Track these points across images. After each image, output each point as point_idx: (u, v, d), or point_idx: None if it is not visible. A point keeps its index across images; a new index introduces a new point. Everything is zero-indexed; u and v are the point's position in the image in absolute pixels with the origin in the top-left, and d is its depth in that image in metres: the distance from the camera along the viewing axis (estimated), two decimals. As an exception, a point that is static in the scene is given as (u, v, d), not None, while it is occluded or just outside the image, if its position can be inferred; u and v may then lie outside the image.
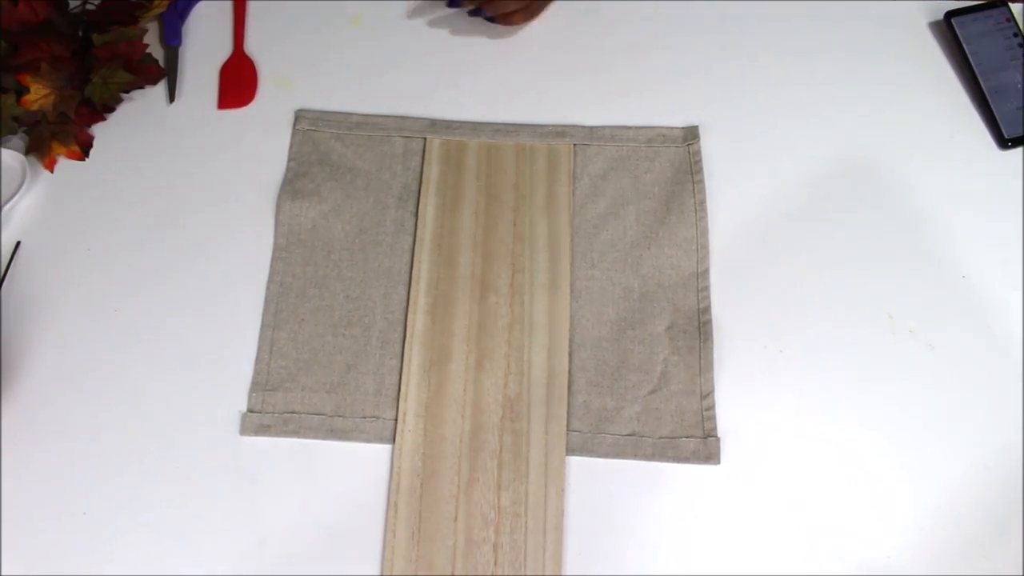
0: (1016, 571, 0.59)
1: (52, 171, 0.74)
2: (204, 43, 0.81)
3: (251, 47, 0.80)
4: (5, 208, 0.71)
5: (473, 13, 0.80)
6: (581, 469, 0.62)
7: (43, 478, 0.62)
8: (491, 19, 0.80)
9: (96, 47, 0.74)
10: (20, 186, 0.71)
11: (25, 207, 0.72)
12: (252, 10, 0.82)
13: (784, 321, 0.67)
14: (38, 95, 0.72)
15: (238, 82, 0.78)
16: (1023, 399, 0.64)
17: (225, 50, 0.80)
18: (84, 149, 0.74)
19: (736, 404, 0.64)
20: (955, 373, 0.65)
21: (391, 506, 0.60)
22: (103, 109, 0.75)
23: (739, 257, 0.69)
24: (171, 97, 0.77)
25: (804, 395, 0.64)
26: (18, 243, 0.71)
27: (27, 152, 0.73)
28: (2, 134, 0.73)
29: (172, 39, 0.80)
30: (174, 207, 0.72)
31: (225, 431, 0.63)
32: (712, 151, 0.74)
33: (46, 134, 0.73)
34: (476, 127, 0.75)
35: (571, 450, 0.62)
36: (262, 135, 0.75)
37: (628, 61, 0.80)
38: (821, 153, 0.74)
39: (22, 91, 0.71)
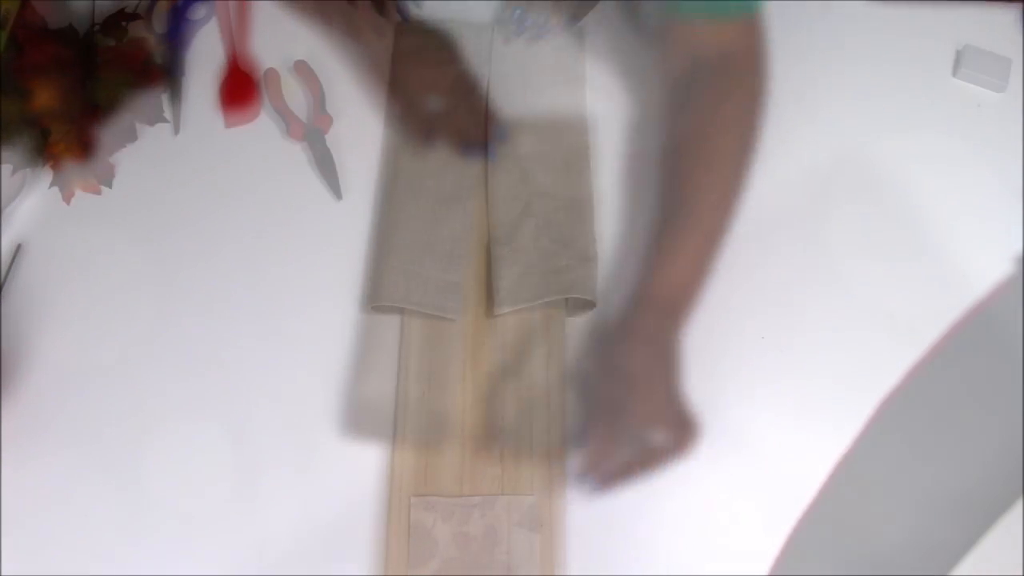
0: (1016, 571, 0.59)
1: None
2: (206, 61, 0.79)
3: (250, 54, 0.80)
4: (6, 211, 0.71)
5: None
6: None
7: (44, 478, 0.62)
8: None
9: (100, 48, 0.74)
10: (21, 188, 0.72)
11: (26, 210, 0.72)
12: (250, 16, 0.81)
13: (783, 320, 0.67)
14: (43, 98, 0.72)
15: (240, 97, 0.77)
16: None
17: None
18: (88, 151, 0.74)
19: (736, 404, 0.64)
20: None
21: (392, 505, 0.60)
22: (107, 111, 0.75)
23: (738, 256, 0.69)
24: (176, 130, 0.76)
25: (804, 394, 0.64)
26: (19, 246, 0.71)
27: (31, 155, 0.74)
28: (6, 137, 0.73)
29: (175, 71, 0.78)
30: (177, 209, 0.72)
31: (224, 431, 0.63)
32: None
33: (50, 137, 0.73)
34: None
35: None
36: (263, 134, 0.76)
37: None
38: (821, 151, 0.74)
39: (27, 94, 0.72)
